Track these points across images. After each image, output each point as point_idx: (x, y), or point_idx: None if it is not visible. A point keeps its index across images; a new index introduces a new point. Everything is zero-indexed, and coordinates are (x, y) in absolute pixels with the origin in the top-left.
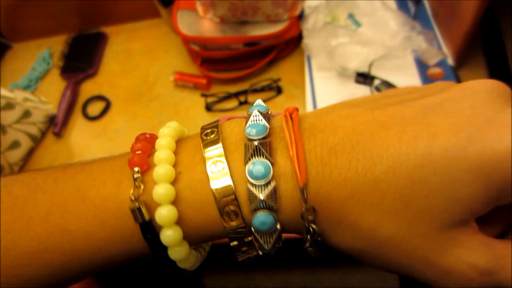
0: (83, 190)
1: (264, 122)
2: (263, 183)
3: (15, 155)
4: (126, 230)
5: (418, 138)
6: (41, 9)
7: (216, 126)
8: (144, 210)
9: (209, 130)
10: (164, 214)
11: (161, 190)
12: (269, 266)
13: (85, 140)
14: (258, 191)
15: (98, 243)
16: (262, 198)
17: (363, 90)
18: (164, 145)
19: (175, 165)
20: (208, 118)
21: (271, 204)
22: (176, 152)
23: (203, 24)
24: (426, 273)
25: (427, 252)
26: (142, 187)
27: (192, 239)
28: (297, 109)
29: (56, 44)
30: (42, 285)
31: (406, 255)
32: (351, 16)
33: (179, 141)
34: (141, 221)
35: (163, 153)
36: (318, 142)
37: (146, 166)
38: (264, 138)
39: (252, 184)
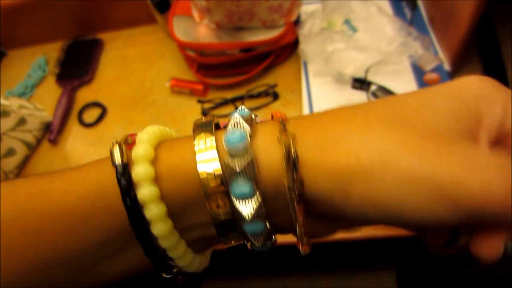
0: (68, 174)
1: (248, 111)
2: (240, 150)
3: (11, 163)
4: (107, 195)
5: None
6: (37, 16)
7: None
8: (124, 151)
9: (203, 118)
10: (141, 171)
11: (141, 151)
12: (267, 271)
13: (81, 147)
14: (235, 162)
15: (75, 202)
16: (238, 171)
17: (359, 96)
18: (144, 139)
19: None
20: None
21: (250, 174)
22: (157, 146)
23: (199, 30)
24: (447, 165)
25: (437, 143)
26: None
27: (169, 201)
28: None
29: (52, 51)
30: (21, 256)
31: (414, 152)
32: (347, 22)
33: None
34: (118, 163)
35: (142, 147)
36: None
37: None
38: (247, 120)
39: (231, 155)
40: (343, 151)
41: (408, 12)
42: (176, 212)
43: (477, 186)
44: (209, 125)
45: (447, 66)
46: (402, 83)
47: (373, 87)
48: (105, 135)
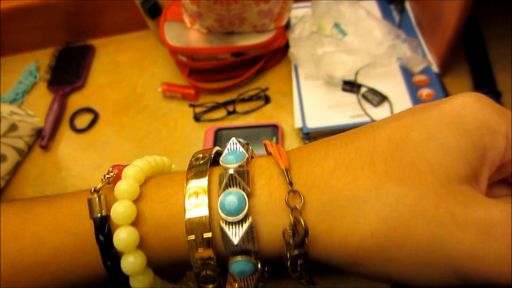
0: (51, 200)
1: (241, 150)
2: (237, 219)
3: (2, 169)
4: (86, 250)
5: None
6: (28, 23)
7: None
8: (103, 203)
9: (200, 155)
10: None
11: (124, 186)
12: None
13: (73, 152)
14: (233, 231)
15: (50, 254)
16: (236, 243)
17: (350, 98)
18: (131, 175)
19: (139, 197)
20: (196, 128)
21: (249, 248)
22: (144, 183)
23: (190, 35)
24: (463, 238)
25: (451, 207)
26: (103, 199)
27: (155, 262)
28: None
29: (43, 57)
30: None
31: (430, 220)
32: (336, 26)
33: (151, 178)
34: (95, 216)
35: (125, 184)
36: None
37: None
38: (240, 166)
39: (226, 222)
40: (354, 223)
41: (396, 16)
42: (158, 263)
43: (494, 259)
44: (204, 172)
45: (435, 68)
46: (392, 85)
47: (363, 90)
48: (97, 141)
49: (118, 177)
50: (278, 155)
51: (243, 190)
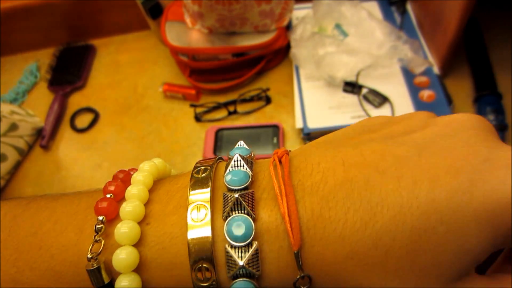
0: (40, 234)
1: (246, 168)
2: (244, 244)
3: (2, 169)
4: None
5: (418, 182)
6: (28, 23)
7: (211, 166)
8: (103, 272)
9: (202, 168)
10: (125, 284)
11: (123, 255)
12: None
13: (73, 152)
14: (238, 254)
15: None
16: (242, 265)
17: (351, 99)
18: (135, 194)
19: (145, 216)
20: (197, 128)
21: (253, 272)
22: (149, 200)
23: (191, 35)
24: None
25: None
26: (103, 242)
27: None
28: (287, 152)
29: (44, 57)
30: None
31: None
32: (338, 27)
33: (158, 183)
34: (98, 286)
35: (130, 205)
36: (307, 191)
37: (115, 214)
38: (245, 188)
39: (231, 246)
40: None
41: (397, 17)
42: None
43: None
44: (205, 188)
45: (436, 70)
46: (393, 86)
47: (364, 91)
48: (98, 140)
49: (124, 183)
50: (286, 213)
51: (248, 215)
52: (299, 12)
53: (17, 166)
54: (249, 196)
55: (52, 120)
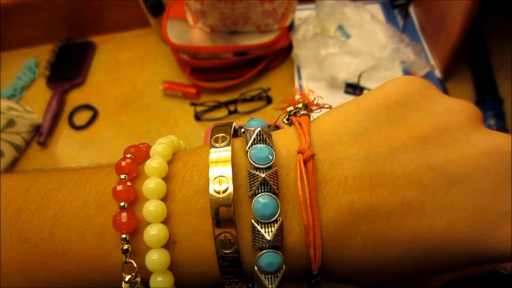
0: (57, 238)
1: (269, 146)
2: (270, 220)
3: None
4: (116, 285)
5: (436, 222)
6: (28, 19)
7: (229, 130)
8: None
9: (220, 135)
10: (159, 280)
11: (155, 257)
12: None
13: (71, 149)
14: (265, 229)
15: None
16: (269, 239)
17: None
18: (153, 191)
19: (166, 198)
20: (197, 127)
21: (277, 244)
22: (168, 176)
23: (193, 34)
24: None
25: None
26: (135, 265)
27: (183, 286)
28: (312, 156)
29: (43, 53)
30: None
31: None
32: (340, 28)
33: (173, 162)
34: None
35: (153, 182)
36: (332, 213)
37: (133, 197)
38: (269, 167)
39: (258, 221)
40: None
41: (400, 20)
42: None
43: None
44: (227, 166)
45: (438, 73)
46: None
47: (365, 92)
48: (96, 138)
49: (138, 157)
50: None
51: (273, 193)
52: (301, 13)
53: (14, 162)
54: (274, 175)
55: (50, 117)
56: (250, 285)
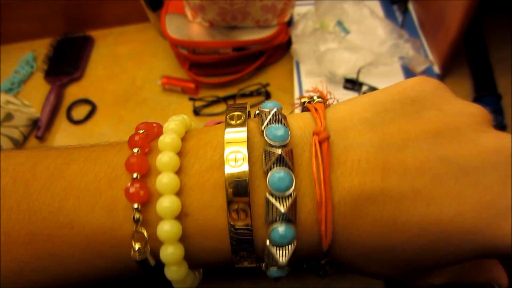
0: (66, 211)
1: (285, 125)
2: (285, 194)
3: None
4: (124, 258)
5: (444, 210)
6: (25, 12)
7: (244, 110)
8: (150, 258)
9: (235, 114)
10: (170, 251)
11: (167, 228)
12: (256, 272)
13: (69, 144)
14: (279, 202)
15: (94, 269)
16: (283, 211)
17: (351, 96)
18: (167, 165)
19: (179, 173)
20: (196, 122)
21: (291, 218)
22: (181, 152)
23: (192, 29)
24: None
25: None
26: (145, 234)
27: (193, 260)
28: (327, 138)
29: (41, 47)
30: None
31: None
32: (339, 23)
33: (186, 140)
34: (147, 268)
35: (166, 156)
36: (345, 192)
37: (145, 169)
38: (285, 145)
39: (272, 194)
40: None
41: (399, 16)
42: (195, 256)
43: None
44: (241, 134)
45: (436, 69)
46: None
47: (364, 88)
48: (94, 133)
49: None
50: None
51: (290, 168)
52: (300, 9)
53: None
54: (290, 153)
55: (48, 111)
56: (259, 264)
